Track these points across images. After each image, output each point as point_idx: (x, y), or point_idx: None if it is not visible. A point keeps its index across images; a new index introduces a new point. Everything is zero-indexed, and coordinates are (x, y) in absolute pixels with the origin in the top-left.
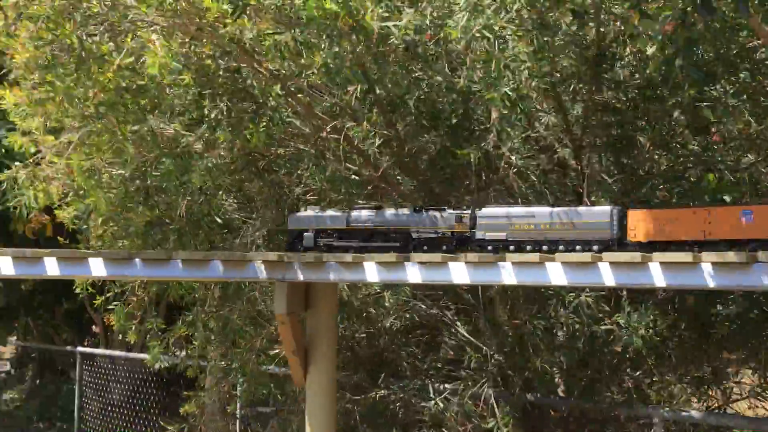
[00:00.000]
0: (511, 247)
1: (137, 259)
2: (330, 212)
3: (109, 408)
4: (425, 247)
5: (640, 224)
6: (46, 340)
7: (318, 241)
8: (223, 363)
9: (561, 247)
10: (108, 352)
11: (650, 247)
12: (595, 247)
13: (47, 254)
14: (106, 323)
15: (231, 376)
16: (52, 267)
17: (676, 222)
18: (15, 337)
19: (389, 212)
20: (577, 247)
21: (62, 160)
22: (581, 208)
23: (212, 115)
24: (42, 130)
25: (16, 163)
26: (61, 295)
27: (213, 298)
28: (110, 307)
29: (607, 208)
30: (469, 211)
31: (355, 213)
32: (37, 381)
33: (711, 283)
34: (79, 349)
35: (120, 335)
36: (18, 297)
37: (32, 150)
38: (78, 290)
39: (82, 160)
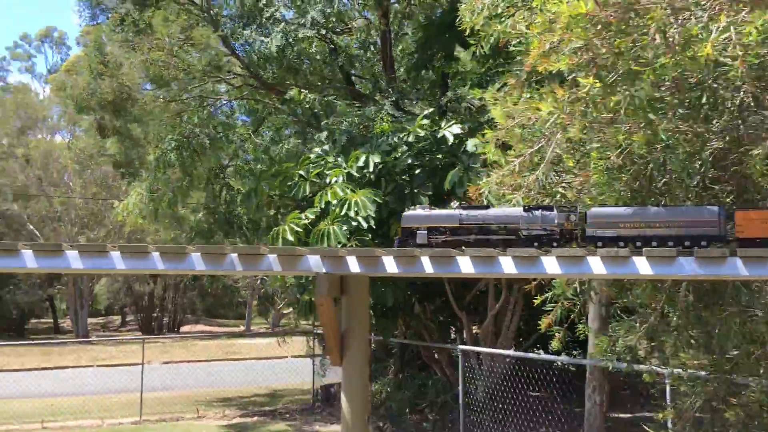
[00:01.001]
0: (621, 243)
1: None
2: (443, 211)
3: (486, 402)
4: (535, 243)
5: (745, 223)
6: (415, 337)
7: (431, 238)
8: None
9: (670, 243)
10: (488, 350)
11: (753, 243)
12: (703, 243)
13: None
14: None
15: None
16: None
17: None
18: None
19: (499, 211)
20: (686, 243)
21: None
22: (690, 208)
23: None
24: None
25: None
26: (434, 294)
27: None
28: (546, 308)
29: (715, 207)
30: (576, 211)
31: (466, 212)
32: (399, 375)
33: None
34: (461, 347)
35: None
36: (403, 297)
37: None
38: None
39: None
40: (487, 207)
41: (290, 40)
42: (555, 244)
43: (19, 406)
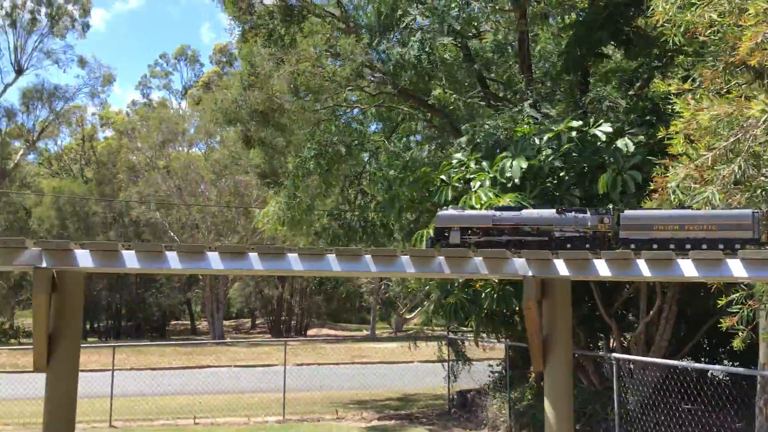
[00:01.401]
0: (655, 246)
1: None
2: (476, 212)
3: (641, 413)
4: (568, 245)
5: None
6: None
7: (464, 238)
8: None
9: (704, 246)
10: (647, 359)
11: None
12: (737, 246)
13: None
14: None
15: None
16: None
17: None
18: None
19: (533, 212)
20: (720, 246)
21: None
22: (723, 211)
23: None
24: None
25: None
26: (580, 300)
27: None
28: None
29: (748, 211)
30: (610, 213)
31: (499, 213)
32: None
33: None
34: (614, 355)
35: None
36: None
37: None
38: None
39: None
40: (520, 208)
41: (427, 48)
42: (588, 246)
43: (170, 402)
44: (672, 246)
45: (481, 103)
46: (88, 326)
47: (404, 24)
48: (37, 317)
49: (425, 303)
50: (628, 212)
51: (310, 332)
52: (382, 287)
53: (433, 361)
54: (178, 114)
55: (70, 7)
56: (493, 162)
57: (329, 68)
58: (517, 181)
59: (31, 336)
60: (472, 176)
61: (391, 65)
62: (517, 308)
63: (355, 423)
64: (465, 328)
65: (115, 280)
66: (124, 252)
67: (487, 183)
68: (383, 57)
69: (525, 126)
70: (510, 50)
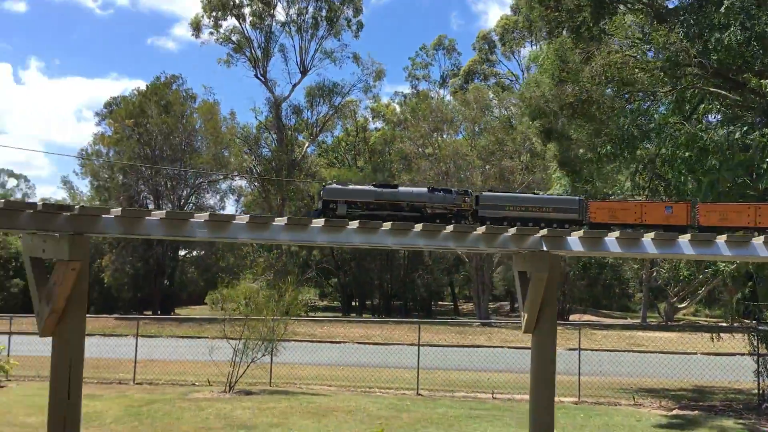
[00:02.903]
0: (505, 223)
1: None
2: (361, 187)
3: None
4: (437, 220)
5: (597, 211)
6: None
7: (350, 210)
8: None
9: (542, 224)
10: None
11: (602, 226)
12: (566, 225)
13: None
14: None
15: None
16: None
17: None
18: None
19: (409, 190)
20: (554, 225)
21: None
22: (557, 196)
23: None
24: None
25: None
26: None
27: None
28: None
29: (576, 197)
30: (471, 194)
31: (380, 189)
32: None
33: None
34: None
35: None
36: None
37: None
38: None
39: None
40: (397, 186)
41: (752, 31)
42: (453, 221)
43: (463, 376)
44: (518, 224)
45: None
46: (355, 303)
47: (724, 5)
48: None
49: (700, 291)
50: (485, 194)
51: (572, 317)
52: (654, 273)
53: (723, 354)
54: (443, 103)
55: (345, 8)
56: None
57: (642, 58)
58: None
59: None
60: None
61: (713, 53)
62: None
63: (656, 410)
64: None
65: (386, 260)
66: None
67: None
68: (697, 43)
69: None
70: None
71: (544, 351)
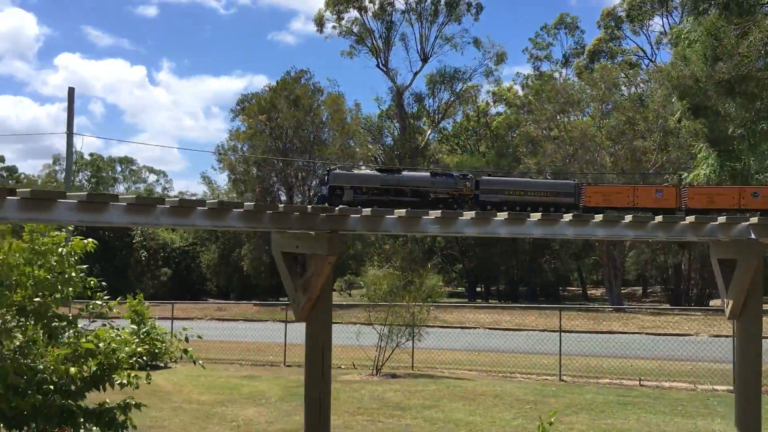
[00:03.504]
0: (505, 207)
1: None
2: (367, 172)
3: None
4: (440, 206)
5: (592, 195)
6: None
7: (356, 197)
8: None
9: (540, 209)
10: None
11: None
12: (563, 209)
13: None
14: None
15: None
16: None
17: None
18: None
19: (412, 175)
20: (551, 209)
21: None
22: (554, 181)
23: None
24: None
25: None
26: None
27: None
28: None
29: (571, 182)
30: (471, 178)
31: (384, 174)
32: None
33: None
34: None
35: None
36: None
37: None
38: None
39: None
40: (400, 171)
41: None
42: (456, 206)
43: (602, 362)
44: (518, 208)
45: None
46: (481, 289)
47: None
48: None
49: None
50: (485, 177)
51: (713, 303)
52: None
53: None
54: (568, 84)
55: None
56: None
57: None
58: None
59: None
60: None
61: None
62: None
63: None
64: None
65: (511, 246)
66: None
67: None
68: None
69: None
70: None
71: (750, 337)
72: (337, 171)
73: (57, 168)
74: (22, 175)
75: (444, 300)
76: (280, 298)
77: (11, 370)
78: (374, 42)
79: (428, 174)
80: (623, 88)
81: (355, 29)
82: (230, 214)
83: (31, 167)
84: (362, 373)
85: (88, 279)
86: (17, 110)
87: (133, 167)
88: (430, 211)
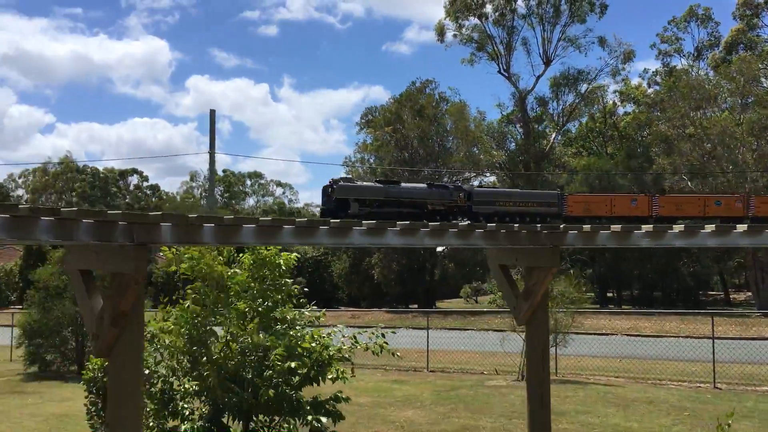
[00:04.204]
0: (495, 218)
1: None
2: (371, 184)
3: None
4: (438, 217)
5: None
6: None
7: (362, 209)
8: None
9: (527, 219)
10: None
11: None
12: (548, 219)
13: None
14: None
15: None
16: None
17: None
18: None
19: (411, 186)
20: (538, 218)
21: None
22: (540, 191)
23: None
24: None
25: None
26: None
27: None
28: None
29: (555, 192)
30: (464, 189)
31: (385, 186)
32: None
33: None
34: None
35: None
36: None
37: None
38: None
39: None
40: (398, 182)
41: None
42: (451, 218)
43: (758, 370)
44: (507, 219)
45: None
46: (612, 294)
47: None
48: None
49: None
50: (477, 189)
51: None
52: None
53: None
54: (703, 79)
55: None
56: None
57: None
58: None
59: None
60: None
61: None
62: None
63: None
64: None
65: (645, 249)
66: None
67: None
68: None
69: None
70: None
71: None
72: (344, 183)
73: (193, 185)
74: (163, 193)
75: (583, 306)
76: (410, 306)
77: (237, 368)
78: (495, 48)
79: (425, 186)
80: (763, 80)
81: (475, 36)
82: (447, 233)
83: (168, 184)
84: (507, 379)
85: (292, 287)
86: (154, 131)
87: (261, 181)
88: (673, 226)
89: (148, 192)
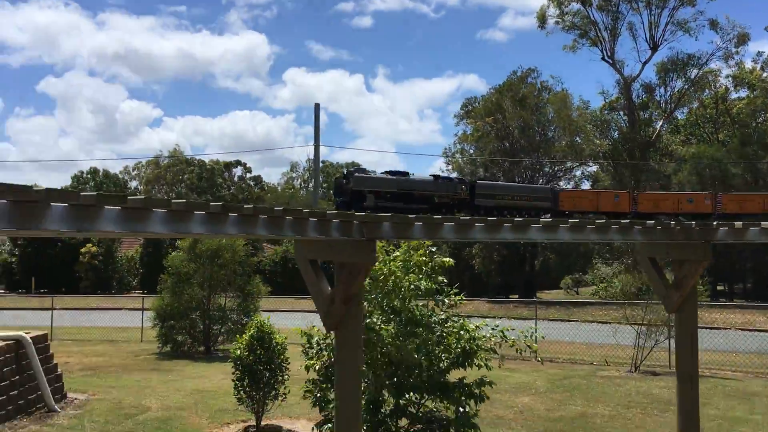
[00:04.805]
0: (495, 212)
1: None
2: (385, 176)
3: None
4: (443, 210)
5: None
6: None
7: (377, 201)
8: None
9: (523, 213)
10: None
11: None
12: (542, 213)
13: None
14: None
15: None
16: None
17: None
18: None
19: (417, 178)
20: (532, 212)
21: None
22: (535, 186)
23: None
24: None
25: None
26: None
27: None
28: None
29: (548, 187)
30: (467, 182)
31: (395, 177)
32: None
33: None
34: None
35: None
36: None
37: None
38: None
39: None
40: (406, 174)
41: None
42: (456, 210)
43: None
44: (506, 212)
45: None
46: (723, 287)
47: None
48: None
49: None
50: (480, 182)
51: None
52: None
53: None
54: None
55: None
56: None
57: None
58: None
59: None
60: None
61: None
62: None
63: None
64: None
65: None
66: None
67: None
68: None
69: None
70: None
71: None
72: (360, 175)
73: (293, 175)
74: (265, 184)
75: (700, 299)
76: (510, 296)
77: (395, 352)
78: (599, 34)
79: (432, 178)
80: None
81: (578, 22)
82: (610, 230)
83: (267, 175)
84: (620, 370)
85: (440, 278)
86: (254, 123)
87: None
88: (762, 223)
89: (251, 183)
